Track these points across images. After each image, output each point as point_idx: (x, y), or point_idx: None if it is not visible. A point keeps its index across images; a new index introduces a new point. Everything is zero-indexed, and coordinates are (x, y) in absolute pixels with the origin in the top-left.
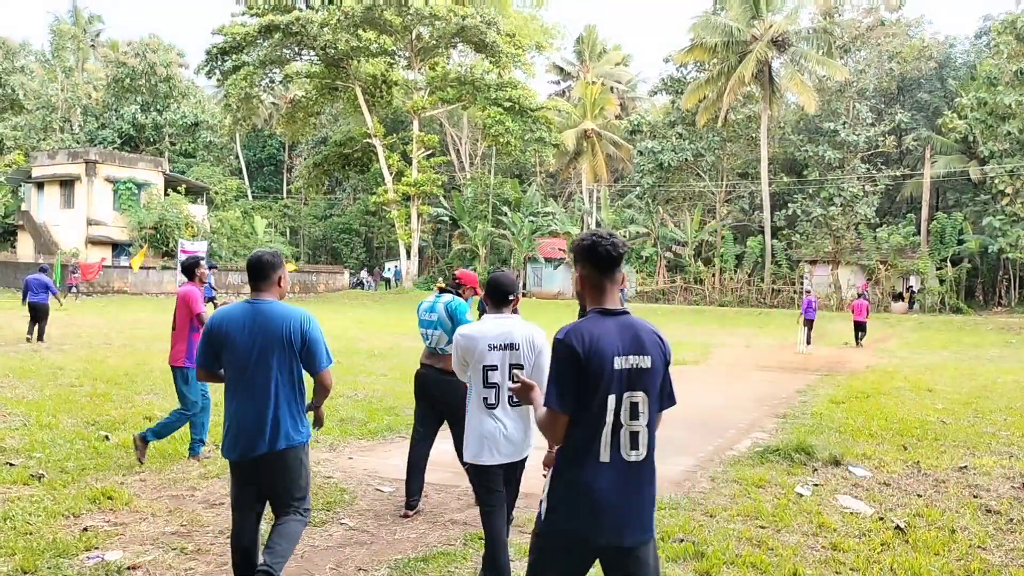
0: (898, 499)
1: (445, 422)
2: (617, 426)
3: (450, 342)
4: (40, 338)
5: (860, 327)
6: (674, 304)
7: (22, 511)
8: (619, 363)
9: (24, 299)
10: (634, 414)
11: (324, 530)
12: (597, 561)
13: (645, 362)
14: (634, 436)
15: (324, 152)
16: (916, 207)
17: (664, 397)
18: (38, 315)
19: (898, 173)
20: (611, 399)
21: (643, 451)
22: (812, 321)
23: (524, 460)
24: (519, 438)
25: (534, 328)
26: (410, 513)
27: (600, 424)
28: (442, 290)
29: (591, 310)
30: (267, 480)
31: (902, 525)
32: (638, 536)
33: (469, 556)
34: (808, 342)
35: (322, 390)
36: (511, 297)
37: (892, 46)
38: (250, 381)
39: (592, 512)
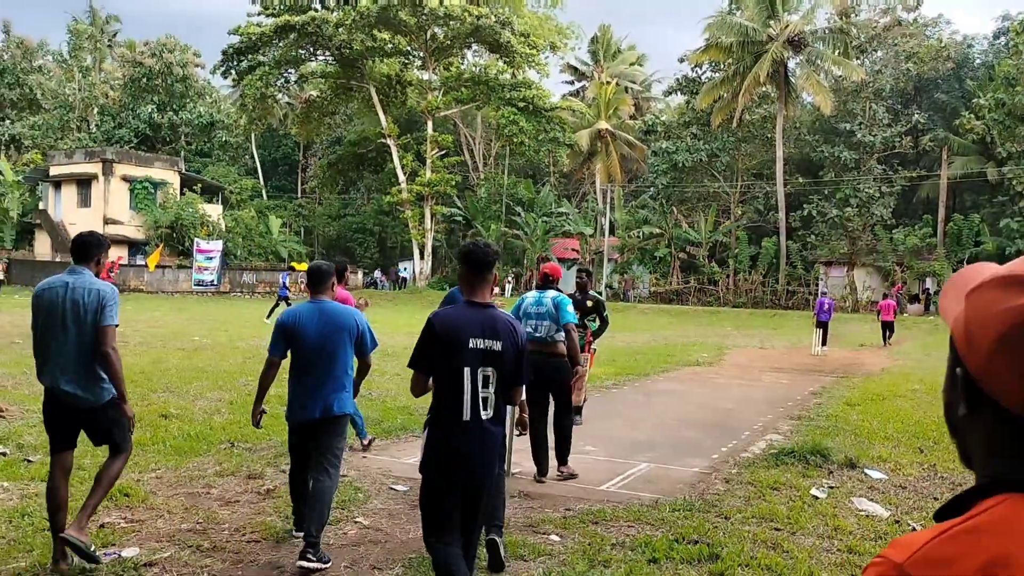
0: (915, 502)
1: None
2: (475, 393)
3: (559, 330)
4: None
5: (888, 327)
6: (688, 305)
7: (40, 507)
8: (474, 343)
9: None
10: (485, 384)
11: (339, 528)
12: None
13: (496, 346)
14: (485, 400)
15: (338, 152)
16: (933, 208)
17: (511, 376)
18: None
19: (915, 174)
20: (467, 371)
21: (491, 412)
22: (826, 323)
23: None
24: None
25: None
26: (544, 480)
27: (461, 392)
28: (541, 286)
29: (464, 300)
30: (318, 439)
31: (919, 528)
32: (489, 474)
33: (482, 555)
34: (823, 343)
35: (365, 368)
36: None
37: (909, 46)
38: (315, 363)
39: (456, 459)
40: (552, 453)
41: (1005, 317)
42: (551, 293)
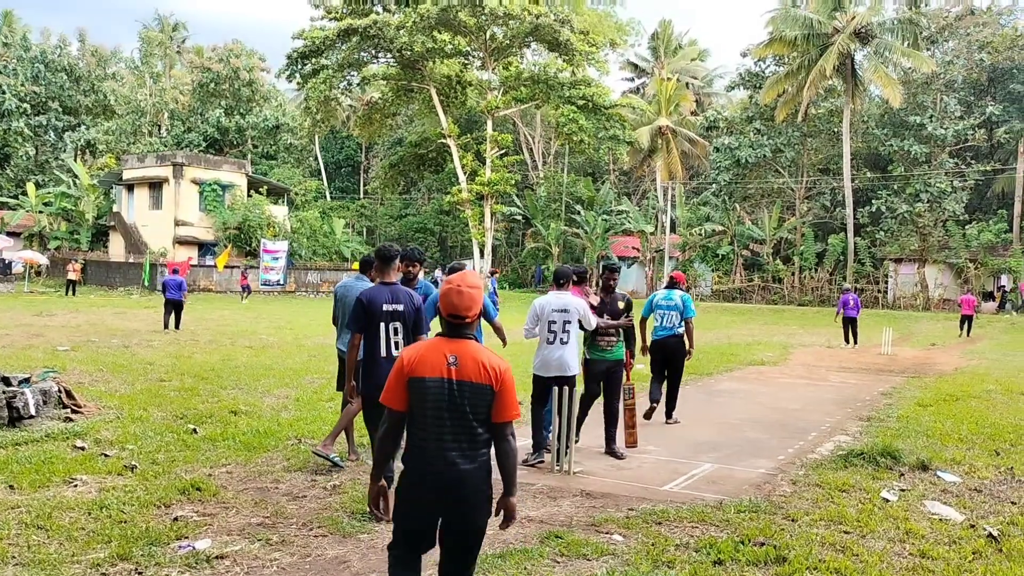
0: (991, 506)
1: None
2: (388, 338)
3: (680, 324)
4: (177, 327)
5: (967, 320)
6: (752, 303)
7: (116, 500)
8: (386, 307)
9: (164, 295)
10: (395, 332)
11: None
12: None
13: (399, 307)
14: (396, 343)
15: (400, 153)
16: (1008, 203)
17: (413, 326)
18: (176, 309)
19: (989, 168)
20: (382, 325)
21: (399, 351)
22: (854, 319)
23: (573, 377)
24: (567, 362)
25: (578, 300)
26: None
27: (379, 337)
28: (669, 286)
29: (378, 282)
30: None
31: (995, 533)
32: None
33: (546, 554)
34: (847, 341)
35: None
36: (562, 282)
37: (982, 36)
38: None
39: (379, 383)
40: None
41: None
42: (678, 292)
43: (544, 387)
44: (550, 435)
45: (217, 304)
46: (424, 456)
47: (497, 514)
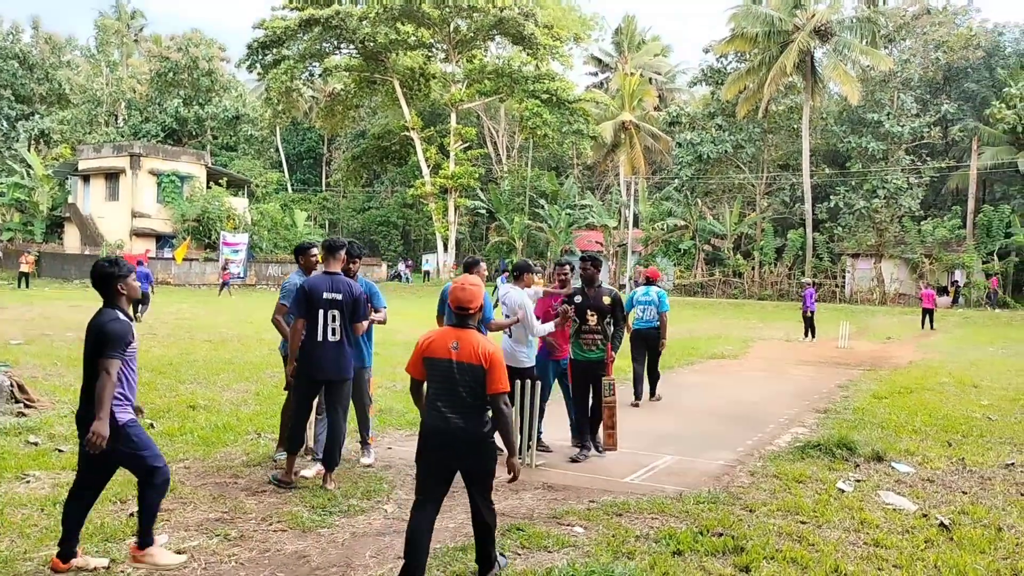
0: (942, 496)
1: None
2: (326, 324)
3: (657, 318)
4: (138, 319)
5: (928, 313)
6: (712, 297)
7: None
8: (327, 296)
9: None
10: (333, 319)
11: (365, 518)
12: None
13: (338, 296)
14: (334, 329)
15: (362, 145)
16: (962, 199)
17: (352, 314)
18: (140, 300)
19: (944, 165)
20: (321, 312)
21: (339, 336)
22: (813, 312)
23: (529, 369)
24: (516, 354)
25: (524, 293)
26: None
27: (318, 323)
28: (647, 283)
29: (323, 271)
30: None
31: (947, 522)
32: (339, 375)
33: (507, 546)
34: (806, 335)
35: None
36: (515, 274)
37: (938, 35)
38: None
39: (316, 364)
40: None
41: None
42: (655, 289)
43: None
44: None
45: (175, 297)
46: (433, 416)
47: (509, 472)
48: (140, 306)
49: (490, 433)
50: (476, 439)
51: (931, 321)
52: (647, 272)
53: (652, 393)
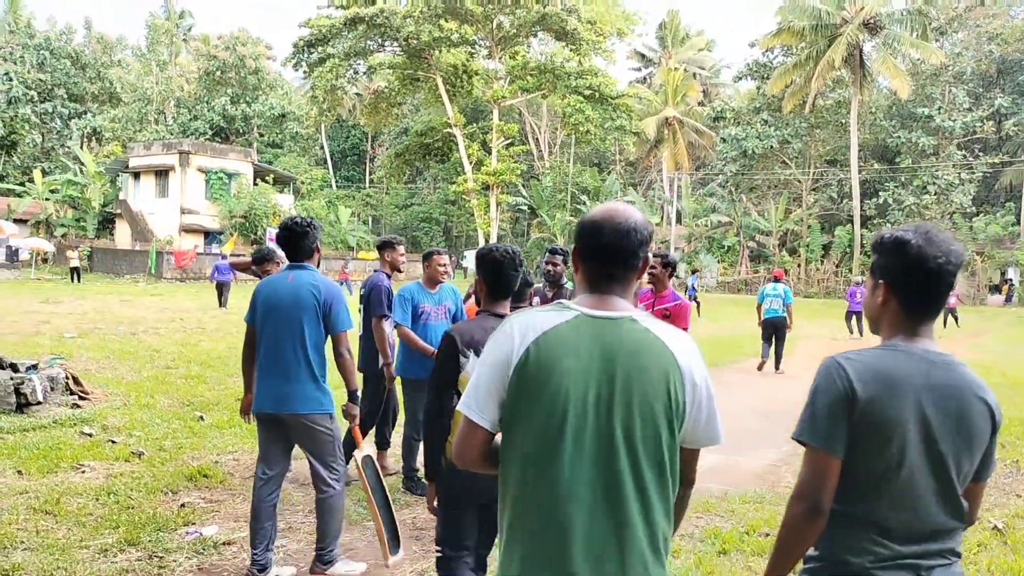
0: (996, 499)
1: None
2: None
3: (783, 308)
4: (223, 305)
5: (951, 312)
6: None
7: (124, 486)
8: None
9: (212, 278)
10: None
11: (410, 512)
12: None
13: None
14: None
15: (405, 142)
16: (1016, 196)
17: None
18: (223, 290)
19: (997, 160)
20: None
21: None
22: (859, 312)
23: None
24: None
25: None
26: None
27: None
28: (775, 280)
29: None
30: None
31: (1000, 526)
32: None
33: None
34: (851, 331)
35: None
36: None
37: (992, 27)
38: None
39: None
40: None
41: None
42: (781, 285)
43: None
44: None
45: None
46: None
47: None
48: (224, 294)
49: None
50: None
51: (955, 319)
52: (775, 272)
53: (776, 367)
